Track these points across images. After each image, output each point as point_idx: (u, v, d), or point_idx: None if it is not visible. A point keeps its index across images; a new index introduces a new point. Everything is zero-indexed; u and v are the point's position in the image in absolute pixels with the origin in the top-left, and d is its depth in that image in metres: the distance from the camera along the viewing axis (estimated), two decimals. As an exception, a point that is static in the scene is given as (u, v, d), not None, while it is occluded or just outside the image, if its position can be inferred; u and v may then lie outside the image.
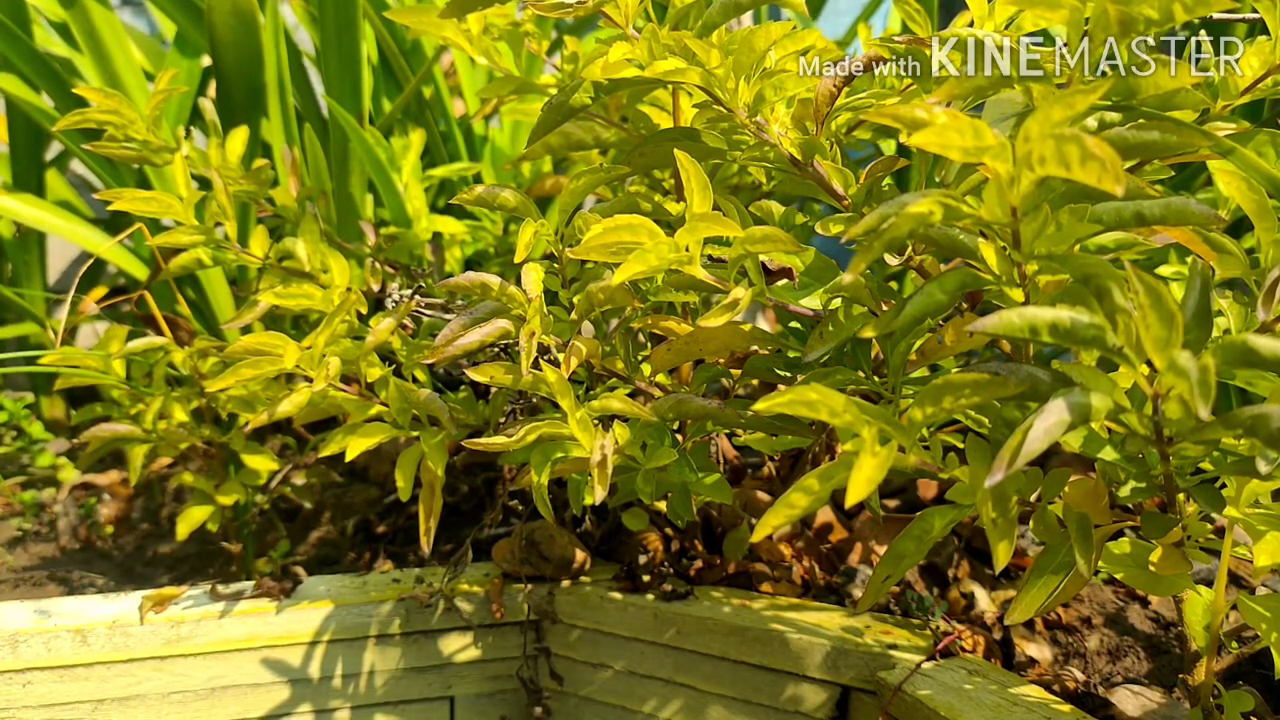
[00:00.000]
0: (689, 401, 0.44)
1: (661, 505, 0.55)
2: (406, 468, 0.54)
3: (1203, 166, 0.57)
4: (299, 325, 0.80)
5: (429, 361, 0.46)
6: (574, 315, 0.46)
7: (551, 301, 0.48)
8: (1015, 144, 0.26)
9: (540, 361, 0.42)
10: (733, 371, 0.49)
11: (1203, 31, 0.41)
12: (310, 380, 0.51)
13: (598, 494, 0.40)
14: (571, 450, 0.43)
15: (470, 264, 0.80)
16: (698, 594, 0.56)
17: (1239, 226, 0.56)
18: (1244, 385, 0.35)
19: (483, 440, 0.43)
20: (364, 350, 0.52)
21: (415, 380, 0.56)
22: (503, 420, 0.57)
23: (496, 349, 0.55)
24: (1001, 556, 0.33)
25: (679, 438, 0.50)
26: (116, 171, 0.89)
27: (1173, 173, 0.42)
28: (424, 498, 0.54)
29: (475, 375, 0.44)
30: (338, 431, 0.53)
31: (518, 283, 0.46)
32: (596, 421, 0.43)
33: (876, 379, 0.41)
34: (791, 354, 0.43)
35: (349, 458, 0.51)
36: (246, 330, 0.60)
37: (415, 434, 0.54)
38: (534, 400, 0.56)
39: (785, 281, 0.39)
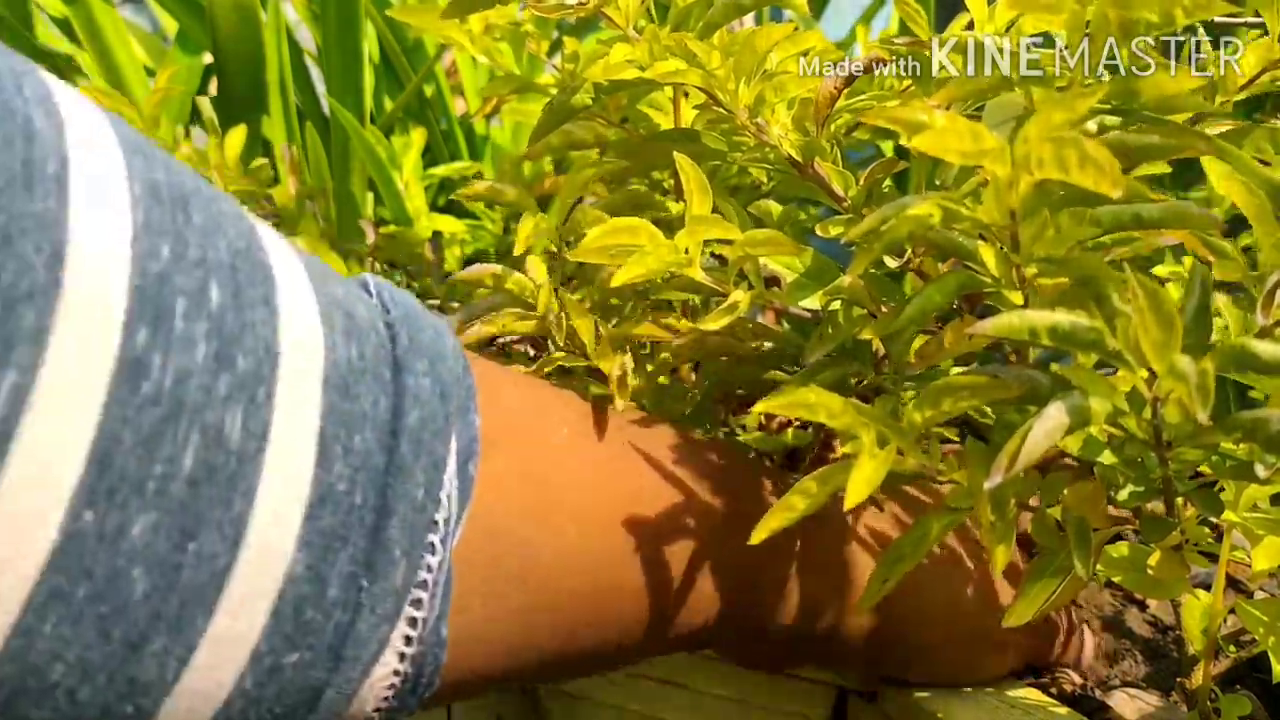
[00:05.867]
0: (704, 341, 0.42)
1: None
2: None
3: (1198, 165, 0.57)
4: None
5: None
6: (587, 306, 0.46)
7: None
8: (1014, 147, 0.26)
9: (570, 307, 0.41)
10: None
11: (1201, 30, 0.41)
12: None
13: (619, 403, 0.39)
14: None
15: (469, 263, 0.80)
16: (696, 595, 0.56)
17: (1235, 222, 0.56)
18: (1245, 381, 0.35)
19: None
20: None
21: None
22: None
23: (496, 345, 0.55)
24: (1000, 560, 0.33)
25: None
26: (117, 168, 0.89)
27: (1168, 168, 0.42)
28: None
29: (488, 327, 0.43)
30: None
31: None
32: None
33: (875, 376, 0.41)
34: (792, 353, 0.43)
35: None
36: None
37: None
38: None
39: (785, 284, 0.39)
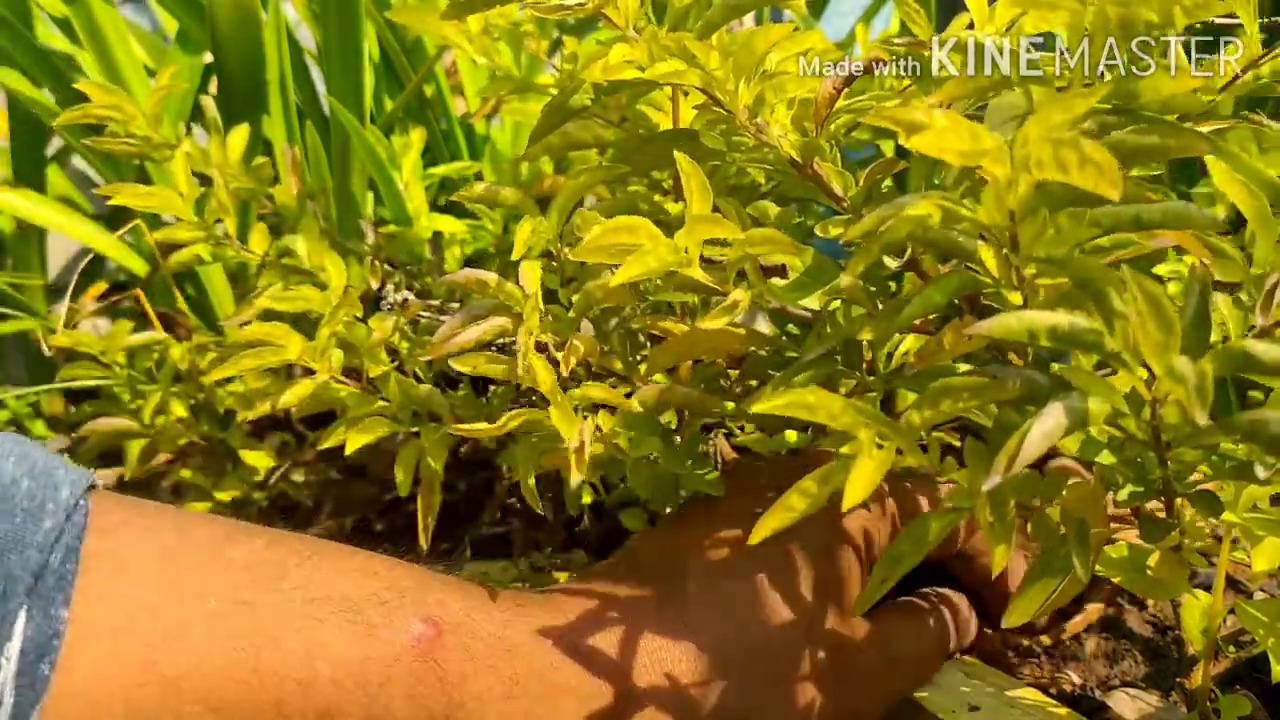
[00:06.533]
0: (672, 390, 0.43)
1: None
2: (406, 463, 0.53)
3: (1200, 162, 0.57)
4: (299, 325, 0.80)
5: (427, 359, 0.46)
6: (572, 314, 0.46)
7: (550, 299, 0.48)
8: (1014, 148, 0.26)
9: (531, 356, 0.42)
10: (730, 372, 0.49)
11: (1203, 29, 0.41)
12: (313, 373, 0.51)
13: (574, 478, 0.39)
14: (559, 444, 0.43)
15: (470, 263, 0.80)
16: (695, 594, 0.56)
17: (1239, 221, 0.56)
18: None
19: (466, 426, 0.43)
20: (368, 345, 0.52)
21: (417, 378, 0.56)
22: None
23: (495, 346, 0.55)
24: (999, 560, 0.33)
25: (671, 428, 0.50)
26: (117, 167, 0.89)
27: (1162, 169, 0.42)
28: (423, 494, 0.53)
29: (459, 366, 0.44)
30: (339, 424, 0.53)
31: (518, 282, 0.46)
32: (584, 414, 0.43)
33: (863, 376, 0.41)
34: (789, 354, 0.43)
35: (348, 451, 0.51)
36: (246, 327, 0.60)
37: (415, 430, 0.54)
38: (534, 398, 0.56)
39: (784, 283, 0.39)
